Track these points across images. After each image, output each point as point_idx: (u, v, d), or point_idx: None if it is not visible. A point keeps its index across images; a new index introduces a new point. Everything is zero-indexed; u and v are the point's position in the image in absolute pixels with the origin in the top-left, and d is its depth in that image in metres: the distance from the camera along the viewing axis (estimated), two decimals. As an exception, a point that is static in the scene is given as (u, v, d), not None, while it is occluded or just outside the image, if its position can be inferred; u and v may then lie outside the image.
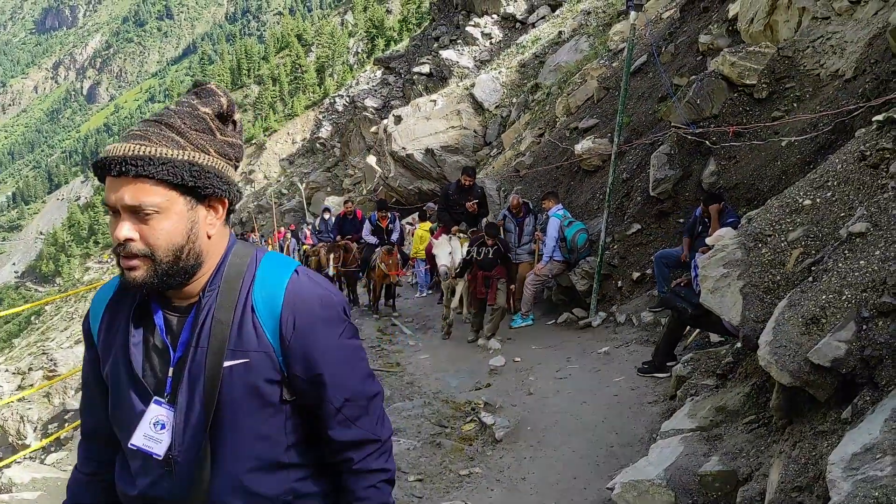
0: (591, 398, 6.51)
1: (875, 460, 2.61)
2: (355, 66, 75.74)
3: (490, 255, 9.02)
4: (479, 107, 25.17)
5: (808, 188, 4.44)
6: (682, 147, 9.26)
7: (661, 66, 11.23)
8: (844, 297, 3.42)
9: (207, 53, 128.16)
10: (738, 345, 5.08)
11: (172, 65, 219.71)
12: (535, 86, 22.11)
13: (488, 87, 25.51)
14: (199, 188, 1.48)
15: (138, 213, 1.43)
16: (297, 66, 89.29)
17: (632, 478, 4.03)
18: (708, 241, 5.52)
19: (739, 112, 8.83)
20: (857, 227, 3.67)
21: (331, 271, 13.89)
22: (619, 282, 9.58)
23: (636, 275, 9.36)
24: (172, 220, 1.46)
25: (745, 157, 8.42)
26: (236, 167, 1.61)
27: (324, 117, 58.19)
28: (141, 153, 1.42)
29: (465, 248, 9.47)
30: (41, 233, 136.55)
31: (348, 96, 51.00)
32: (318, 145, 54.75)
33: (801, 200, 4.39)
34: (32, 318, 70.24)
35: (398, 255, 11.99)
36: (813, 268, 3.82)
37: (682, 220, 8.99)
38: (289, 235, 23.31)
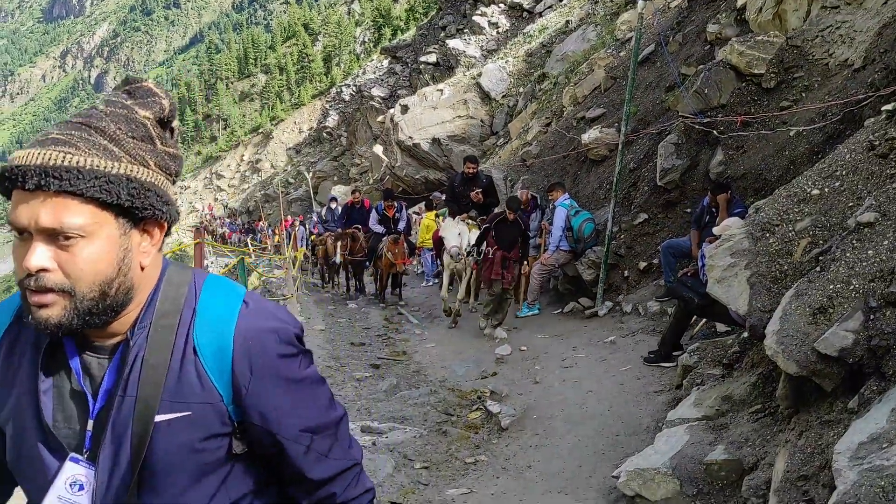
0: (597, 387, 6.52)
1: (881, 450, 2.62)
2: (362, 56, 75.56)
3: (511, 232, 8.86)
4: (485, 96, 25.09)
5: (816, 178, 4.42)
6: (690, 137, 9.23)
7: (669, 56, 11.17)
8: (852, 286, 3.41)
9: (214, 42, 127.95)
10: (745, 334, 5.07)
11: (179, 54, 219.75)
12: (543, 75, 22.03)
13: (495, 77, 25.43)
14: (137, 209, 1.21)
15: (57, 238, 1.16)
16: (303, 55, 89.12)
17: (637, 466, 4.04)
18: (715, 230, 5.51)
19: (747, 102, 8.79)
20: (865, 217, 3.66)
21: (338, 259, 13.93)
22: (626, 271, 9.57)
23: (643, 264, 9.35)
24: (100, 247, 1.19)
25: (753, 147, 8.39)
26: (174, 182, 1.36)
27: (330, 107, 58.11)
28: (67, 163, 1.15)
29: (473, 234, 9.40)
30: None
31: (355, 86, 50.90)
32: (324, 135, 54.71)
33: (809, 190, 4.37)
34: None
35: (405, 245, 12.00)
36: (821, 257, 3.82)
37: (689, 210, 8.97)
38: (297, 224, 23.31)
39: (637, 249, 9.64)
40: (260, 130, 78.26)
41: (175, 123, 1.39)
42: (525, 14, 31.91)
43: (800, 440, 3.27)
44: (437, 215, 13.65)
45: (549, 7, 29.91)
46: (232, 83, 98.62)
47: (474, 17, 33.47)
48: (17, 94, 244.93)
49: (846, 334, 3.16)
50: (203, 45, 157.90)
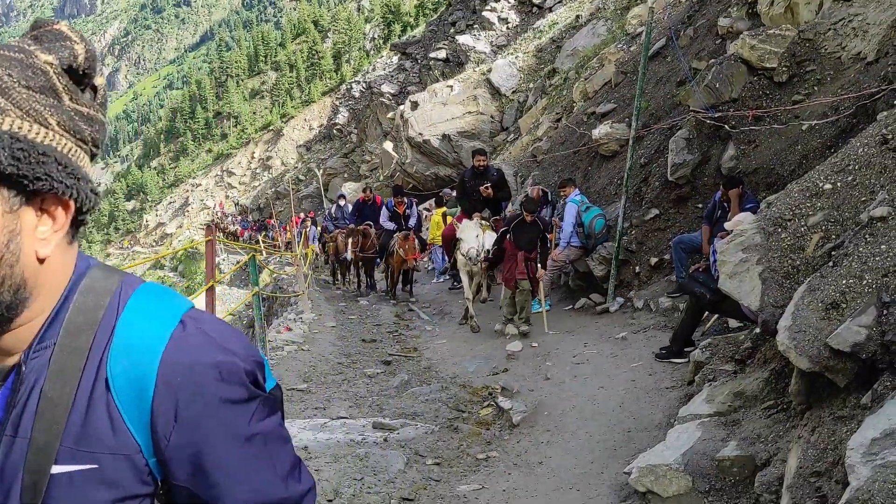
0: (609, 383, 6.51)
1: (895, 446, 2.61)
2: (372, 52, 75.58)
3: (531, 234, 8.73)
4: (495, 92, 25.06)
5: (828, 172, 4.39)
6: (701, 131, 9.18)
7: (680, 50, 11.11)
8: (865, 281, 3.40)
9: (224, 40, 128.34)
10: (757, 330, 5.05)
11: (190, 52, 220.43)
12: (553, 70, 21.97)
13: (505, 72, 25.39)
14: (25, 178, 0.90)
15: None
16: (313, 52, 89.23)
17: (649, 462, 4.03)
18: (727, 225, 5.49)
19: (759, 96, 8.74)
20: (878, 212, 3.64)
21: (349, 256, 13.96)
22: (637, 267, 9.54)
23: (654, 260, 9.32)
24: None
25: (764, 142, 8.34)
26: (93, 154, 1.04)
27: (340, 103, 58.18)
28: None
29: (487, 236, 9.21)
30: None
31: (365, 82, 50.92)
32: (334, 131, 54.79)
33: (821, 185, 4.35)
34: (54, 303, 71.03)
35: (415, 241, 11.99)
36: (833, 252, 3.80)
37: (700, 206, 8.93)
38: (308, 222, 23.36)
39: (648, 245, 9.61)
40: (270, 128, 78.49)
41: (99, 81, 1.03)
42: (535, 9, 31.83)
43: (812, 436, 3.26)
44: (444, 214, 13.61)
45: (559, 2, 29.84)
46: (242, 80, 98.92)
47: (484, 13, 33.42)
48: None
49: (859, 329, 3.14)
50: (213, 42, 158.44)
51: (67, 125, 0.96)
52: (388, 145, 33.14)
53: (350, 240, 13.74)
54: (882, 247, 3.47)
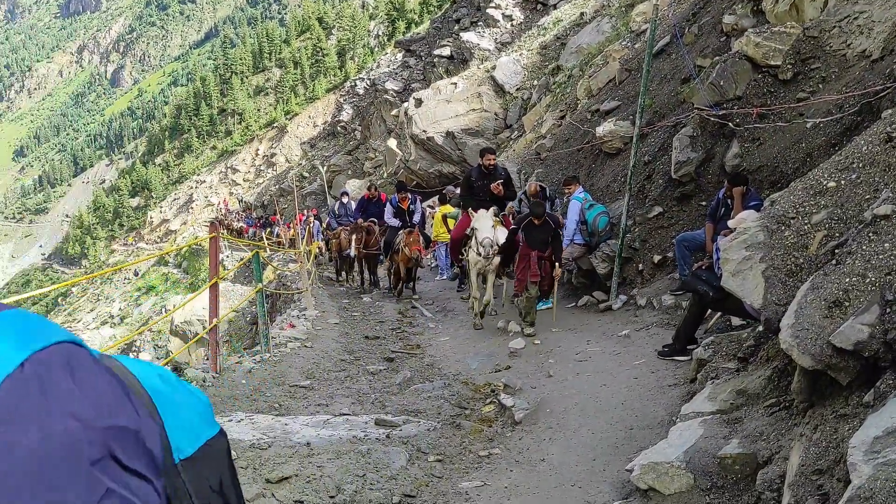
0: (611, 381, 6.51)
1: (897, 444, 2.60)
2: (376, 49, 75.56)
3: (542, 233, 8.61)
4: (499, 89, 25.05)
5: (832, 170, 4.38)
6: (705, 129, 9.17)
7: (685, 48, 11.09)
8: (868, 280, 3.39)
9: (229, 37, 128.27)
10: (760, 328, 5.05)
11: (194, 48, 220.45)
12: (557, 68, 21.94)
13: (509, 70, 25.37)
14: None
15: None
16: (318, 49, 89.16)
17: (651, 460, 4.03)
18: (730, 223, 5.48)
19: (763, 93, 8.72)
20: (882, 210, 3.63)
21: (353, 253, 13.97)
22: (640, 265, 9.53)
23: (657, 258, 9.32)
24: None
25: (768, 140, 8.32)
26: None
27: (345, 100, 58.18)
28: None
29: (500, 230, 9.08)
30: (67, 215, 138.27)
31: (369, 79, 50.91)
32: (339, 128, 54.81)
33: (825, 182, 4.34)
34: (59, 299, 71.28)
35: (420, 236, 11.93)
36: (836, 251, 3.79)
37: (704, 203, 8.92)
38: (311, 218, 23.39)
39: (651, 243, 9.60)
40: (275, 125, 78.47)
41: None
42: (539, 6, 31.80)
43: (815, 434, 3.25)
44: (444, 217, 13.46)
45: (564, -1, 29.76)
46: (247, 77, 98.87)
47: (488, 10, 33.39)
48: (35, 89, 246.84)
49: (862, 328, 3.13)
50: (218, 39, 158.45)
51: None
52: (392, 142, 33.15)
53: (354, 236, 13.75)
54: (886, 245, 3.46)
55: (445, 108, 24.95)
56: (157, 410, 0.76)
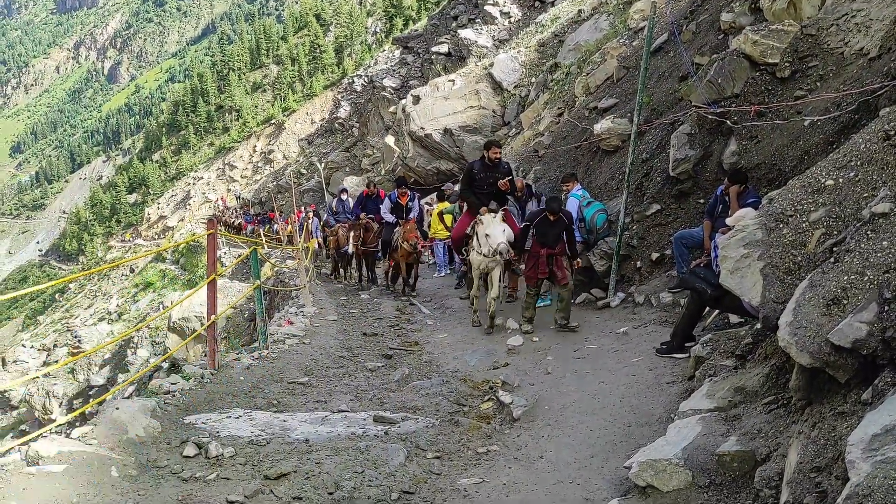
0: (609, 378, 6.52)
1: (895, 441, 2.61)
2: (373, 46, 75.46)
3: (555, 229, 8.49)
4: (497, 87, 25.03)
5: (830, 168, 4.39)
6: (703, 127, 9.17)
7: (682, 45, 11.09)
8: (866, 277, 3.40)
9: (226, 33, 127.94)
10: (758, 326, 5.06)
11: (192, 45, 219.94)
12: (555, 65, 21.93)
13: (507, 67, 25.35)
14: None
15: None
16: (315, 45, 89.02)
17: (649, 457, 4.04)
18: (728, 221, 5.49)
19: (761, 91, 8.72)
20: (880, 208, 3.63)
21: (350, 249, 13.95)
22: (638, 262, 9.54)
23: (655, 255, 9.32)
24: None
25: (766, 137, 8.33)
26: None
27: (342, 97, 58.13)
28: None
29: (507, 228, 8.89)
30: (64, 212, 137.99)
31: (367, 76, 50.88)
32: (336, 125, 54.75)
33: (823, 180, 4.34)
34: (56, 295, 71.18)
35: (416, 225, 11.87)
36: (835, 248, 3.80)
37: (702, 201, 8.92)
38: (310, 214, 23.34)
39: (649, 240, 9.61)
40: (272, 121, 78.40)
41: None
42: (537, 3, 31.79)
43: (813, 431, 3.26)
44: (440, 214, 13.41)
45: (562, -4, 29.73)
46: (244, 74, 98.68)
47: (486, 7, 33.36)
48: (32, 85, 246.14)
49: (860, 325, 3.14)
50: (215, 35, 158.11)
51: None
52: (390, 139, 33.13)
53: (352, 233, 13.74)
54: (884, 243, 3.47)
55: (443, 105, 24.93)
56: None
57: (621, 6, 20.64)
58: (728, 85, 8.92)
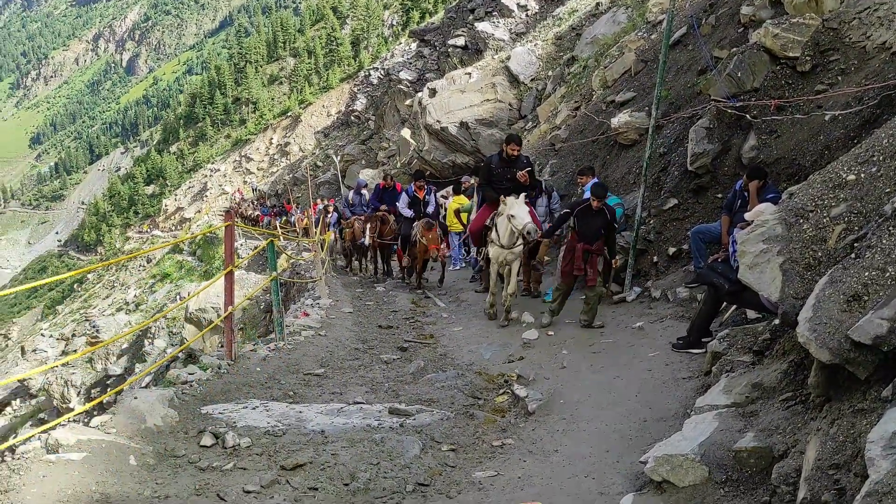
0: (625, 373, 6.50)
1: (915, 439, 2.59)
2: (390, 39, 75.41)
3: (596, 223, 8.09)
4: (514, 80, 24.94)
5: (852, 163, 4.34)
6: (722, 121, 9.11)
7: (702, 39, 11.01)
8: (888, 274, 3.36)
9: (244, 26, 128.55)
10: (776, 321, 5.02)
11: (209, 37, 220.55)
12: (572, 58, 21.83)
13: (524, 60, 25.25)
14: None
15: None
16: (332, 38, 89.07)
17: (665, 452, 4.02)
18: (747, 216, 5.44)
19: (781, 85, 8.65)
20: (902, 203, 3.59)
21: (367, 241, 13.96)
22: (655, 257, 9.50)
23: (672, 250, 9.28)
24: None
25: (786, 132, 8.26)
26: None
27: (359, 90, 58.18)
28: None
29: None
30: (83, 203, 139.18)
31: (383, 69, 50.89)
32: (352, 118, 54.81)
33: (844, 175, 4.30)
34: (75, 285, 71.79)
35: (437, 229, 11.64)
36: (856, 244, 3.76)
37: (720, 196, 8.87)
38: (331, 207, 23.24)
39: (666, 235, 9.56)
40: (289, 114, 78.52)
41: None
42: (555, -4, 31.57)
43: (831, 428, 3.24)
44: (457, 211, 13.32)
45: (580, -11, 29.53)
46: (261, 66, 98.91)
47: (503, 0, 33.21)
48: (51, 76, 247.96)
49: (881, 322, 3.11)
50: (233, 28, 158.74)
51: None
52: (406, 132, 33.11)
53: (368, 225, 13.75)
54: (906, 239, 3.43)
55: (460, 99, 24.88)
56: None
57: (640, -1, 20.49)
58: (748, 79, 8.85)
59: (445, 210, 14.95)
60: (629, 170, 11.22)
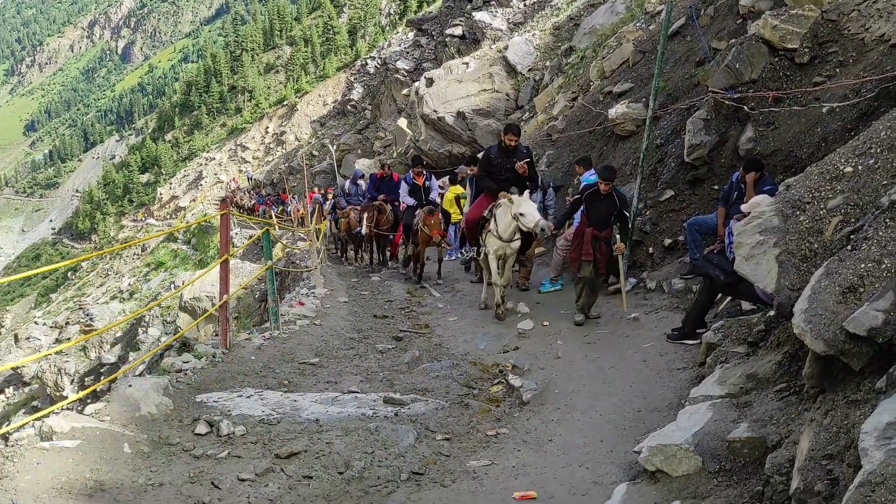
0: (620, 363, 6.52)
1: (909, 430, 2.59)
2: (387, 28, 75.13)
3: (605, 208, 7.97)
4: (511, 70, 24.87)
5: (849, 155, 4.34)
6: (719, 112, 9.10)
7: (700, 29, 10.98)
8: (884, 266, 3.36)
9: (240, 14, 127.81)
10: (771, 313, 5.03)
11: (205, 25, 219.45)
12: (570, 49, 21.78)
13: (521, 50, 25.18)
14: None
15: None
16: (328, 27, 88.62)
17: (659, 442, 4.04)
18: (744, 207, 5.44)
19: (780, 77, 8.64)
20: (899, 195, 3.59)
21: (363, 231, 13.91)
22: (651, 248, 9.50)
23: (668, 241, 9.28)
24: None
25: (784, 124, 8.25)
26: None
27: (355, 79, 58.02)
28: None
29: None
30: (77, 190, 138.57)
31: (380, 58, 50.74)
32: (349, 107, 54.67)
33: (841, 167, 4.29)
34: (69, 273, 71.63)
35: (440, 215, 11.39)
36: (852, 236, 3.76)
37: (716, 187, 8.87)
38: (330, 195, 23.01)
39: (662, 226, 9.57)
40: (285, 103, 78.19)
41: None
42: (553, -14, 31.45)
43: (825, 419, 3.25)
44: (457, 197, 13.21)
45: (578, -21, 29.44)
46: (257, 55, 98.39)
47: (501, -11, 33.08)
48: (46, 63, 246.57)
49: (876, 314, 3.11)
50: (229, 16, 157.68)
51: None
52: (403, 122, 33.04)
53: (365, 214, 13.70)
54: (902, 231, 3.43)
55: (457, 88, 24.81)
56: None
57: (638, -10, 20.42)
58: (746, 70, 8.84)
59: (442, 200, 14.89)
60: (626, 161, 11.21)
